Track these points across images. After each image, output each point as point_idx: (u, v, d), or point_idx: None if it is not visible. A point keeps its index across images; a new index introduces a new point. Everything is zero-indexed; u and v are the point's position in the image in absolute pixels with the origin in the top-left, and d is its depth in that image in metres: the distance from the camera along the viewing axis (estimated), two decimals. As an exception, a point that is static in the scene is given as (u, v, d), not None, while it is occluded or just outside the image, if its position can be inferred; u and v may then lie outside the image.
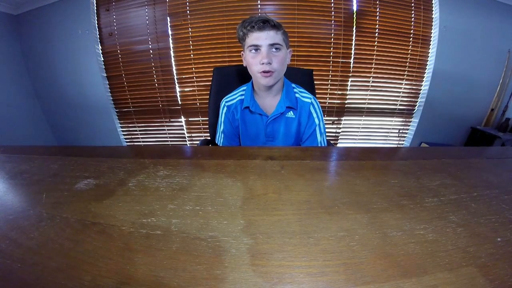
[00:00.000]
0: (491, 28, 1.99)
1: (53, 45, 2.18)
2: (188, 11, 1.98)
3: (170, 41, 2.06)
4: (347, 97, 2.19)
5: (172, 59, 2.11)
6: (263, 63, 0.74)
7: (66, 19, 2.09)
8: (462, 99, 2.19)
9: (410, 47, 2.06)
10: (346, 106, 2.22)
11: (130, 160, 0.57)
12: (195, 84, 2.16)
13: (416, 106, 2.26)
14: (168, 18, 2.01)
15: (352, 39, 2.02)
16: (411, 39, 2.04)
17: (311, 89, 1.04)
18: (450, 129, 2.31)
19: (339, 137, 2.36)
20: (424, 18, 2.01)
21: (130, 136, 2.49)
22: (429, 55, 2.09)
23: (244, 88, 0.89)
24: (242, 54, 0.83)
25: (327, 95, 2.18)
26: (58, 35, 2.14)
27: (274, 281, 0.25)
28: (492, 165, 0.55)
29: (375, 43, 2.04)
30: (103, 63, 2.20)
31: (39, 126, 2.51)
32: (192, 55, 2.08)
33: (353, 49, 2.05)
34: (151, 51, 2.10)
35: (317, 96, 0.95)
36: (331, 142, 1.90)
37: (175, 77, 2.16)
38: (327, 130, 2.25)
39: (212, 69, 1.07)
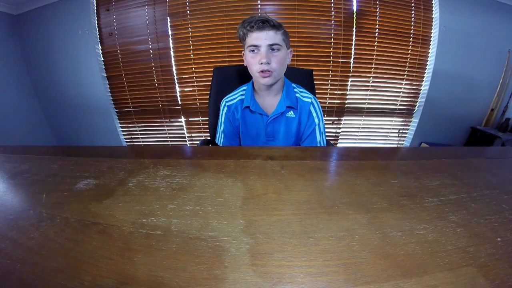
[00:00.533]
0: (491, 28, 1.99)
1: (53, 45, 2.18)
2: (188, 11, 1.98)
3: (170, 41, 2.06)
4: (347, 97, 2.19)
5: (172, 59, 2.11)
6: (262, 63, 0.74)
7: (66, 19, 2.09)
8: (462, 99, 2.19)
9: (410, 47, 2.06)
10: (346, 106, 2.22)
11: (130, 160, 0.57)
12: (195, 84, 2.16)
13: (416, 106, 2.26)
14: (168, 18, 2.01)
15: (352, 39, 2.02)
16: (411, 39, 2.04)
17: (311, 89, 1.04)
18: (450, 129, 2.31)
19: (339, 137, 2.36)
20: (424, 18, 2.01)
21: (130, 136, 2.49)
22: (429, 55, 2.09)
23: (245, 88, 0.90)
24: (243, 53, 0.83)
25: (327, 95, 2.18)
26: (58, 35, 2.14)
27: (274, 281, 0.25)
28: (492, 165, 0.55)
29: (375, 43, 2.04)
30: (103, 63, 2.20)
31: (39, 126, 2.51)
32: (192, 55, 2.08)
33: (353, 49, 2.05)
34: (151, 51, 2.10)
35: (317, 96, 0.95)
36: (331, 142, 1.90)
37: (175, 77, 2.16)
38: (327, 130, 2.25)
39: (212, 69, 1.07)
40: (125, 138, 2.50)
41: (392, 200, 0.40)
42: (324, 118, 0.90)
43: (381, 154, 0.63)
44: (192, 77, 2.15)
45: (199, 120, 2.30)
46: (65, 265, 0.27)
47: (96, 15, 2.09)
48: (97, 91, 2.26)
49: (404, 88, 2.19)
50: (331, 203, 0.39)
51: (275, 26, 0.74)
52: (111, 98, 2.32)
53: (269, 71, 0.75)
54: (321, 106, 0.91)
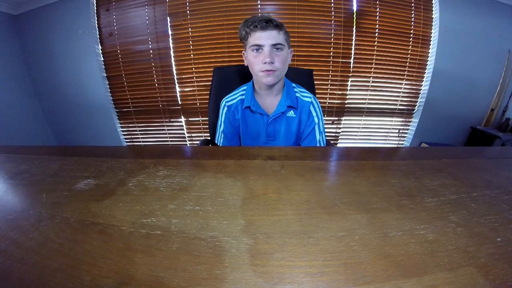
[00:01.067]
0: (491, 28, 1.99)
1: (53, 45, 2.18)
2: (188, 11, 1.98)
3: (170, 41, 2.06)
4: (347, 97, 2.19)
5: (172, 59, 2.11)
6: (265, 63, 0.74)
7: (66, 19, 2.09)
8: (462, 99, 2.19)
9: (410, 47, 2.07)
10: (346, 106, 2.22)
11: (130, 160, 0.57)
12: (195, 84, 2.16)
13: (416, 106, 2.26)
14: (168, 18, 2.01)
15: (352, 39, 2.02)
16: (411, 39, 2.04)
17: (311, 89, 1.04)
18: (450, 129, 2.31)
19: (339, 137, 2.36)
20: (424, 18, 2.01)
21: (130, 136, 2.49)
22: (429, 55, 2.09)
23: (245, 88, 0.90)
24: (243, 53, 0.83)
25: (327, 95, 2.18)
26: (58, 35, 2.14)
27: (274, 281, 0.25)
28: (492, 165, 0.55)
29: (375, 43, 2.04)
30: (103, 63, 2.20)
31: (39, 126, 2.51)
32: (192, 55, 2.08)
33: (353, 49, 2.05)
34: (151, 51, 2.10)
35: (317, 96, 0.95)
36: (331, 142, 1.90)
37: (175, 77, 2.16)
38: (327, 130, 2.25)
39: (212, 69, 1.07)
40: (125, 138, 2.50)
41: (392, 200, 0.40)
42: (324, 118, 0.90)
43: (381, 154, 0.63)
44: (192, 77, 2.15)
45: (199, 120, 2.30)
46: (65, 265, 0.27)
47: (96, 15, 2.09)
48: (97, 91, 2.26)
49: (404, 88, 2.19)
50: (331, 203, 0.39)
51: (278, 26, 0.74)
52: (111, 98, 2.32)
53: (272, 70, 0.75)
54: (321, 106, 0.91)
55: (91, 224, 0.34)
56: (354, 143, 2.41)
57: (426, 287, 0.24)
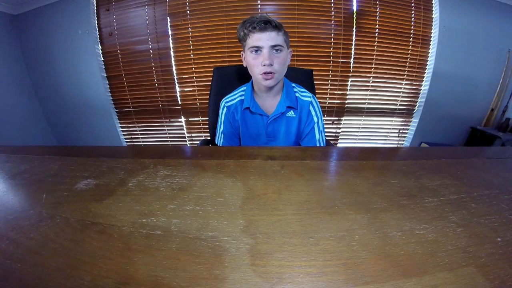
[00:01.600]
0: (491, 28, 1.99)
1: (53, 45, 2.18)
2: (188, 11, 1.98)
3: (170, 41, 2.06)
4: (347, 97, 2.19)
5: (172, 59, 2.11)
6: (264, 65, 0.73)
7: (66, 19, 2.09)
8: (462, 99, 2.19)
9: (410, 47, 2.06)
10: (346, 106, 2.22)
11: (130, 160, 0.57)
12: (195, 84, 2.16)
13: (416, 106, 2.26)
14: (168, 18, 2.01)
15: (352, 39, 2.02)
16: (411, 39, 2.04)
17: (311, 89, 1.04)
18: (450, 129, 2.31)
19: (339, 137, 2.36)
20: (424, 18, 2.01)
21: (130, 136, 2.49)
22: (429, 55, 2.09)
23: (244, 88, 0.89)
24: (242, 54, 0.82)
25: (327, 95, 2.18)
26: (58, 35, 2.14)
27: (274, 281, 0.25)
28: (492, 165, 0.55)
29: (375, 43, 2.04)
30: (103, 63, 2.20)
31: (39, 126, 2.51)
32: (192, 55, 2.08)
33: (353, 49, 2.05)
34: (151, 51, 2.10)
35: (317, 96, 0.95)
36: (331, 142, 1.90)
37: (175, 77, 2.16)
38: (327, 130, 2.25)
39: (212, 69, 1.07)
40: (125, 138, 2.50)
41: (392, 200, 0.40)
42: (324, 118, 0.90)
43: (381, 154, 0.63)
44: (192, 77, 2.15)
45: (199, 120, 2.30)
46: (65, 265, 0.27)
47: (96, 15, 2.09)
48: (97, 91, 2.26)
49: (404, 88, 2.19)
50: (331, 203, 0.39)
51: (277, 27, 0.73)
52: (111, 98, 2.32)
53: (271, 72, 0.75)
54: (321, 106, 0.91)
55: (91, 224, 0.34)
56: (354, 143, 2.41)
57: (426, 287, 0.24)
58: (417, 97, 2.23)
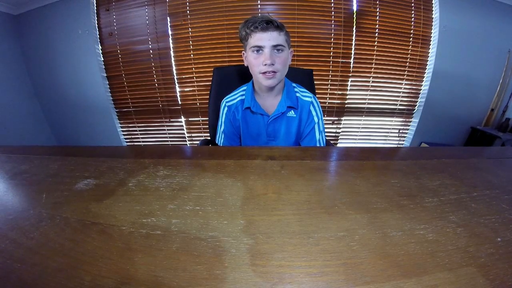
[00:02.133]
0: (491, 28, 1.99)
1: (53, 45, 2.18)
2: (188, 11, 1.98)
3: (170, 41, 2.06)
4: (347, 97, 2.19)
5: (172, 59, 2.11)
6: (266, 64, 0.74)
7: (66, 19, 2.09)
8: (462, 99, 2.19)
9: (410, 47, 2.06)
10: (346, 106, 2.22)
11: (130, 160, 0.57)
12: (195, 84, 2.16)
13: (416, 106, 2.26)
14: (168, 18, 2.01)
15: (352, 39, 2.02)
16: (411, 39, 2.04)
17: (311, 89, 1.04)
18: (450, 129, 2.31)
19: (339, 137, 2.36)
20: (424, 18, 2.01)
21: (130, 136, 2.49)
22: (429, 55, 2.09)
23: (244, 88, 0.89)
24: (243, 54, 0.82)
25: (327, 95, 2.18)
26: (58, 35, 2.14)
27: (274, 281, 0.25)
28: (492, 165, 0.55)
29: (375, 43, 2.04)
30: (103, 63, 2.20)
31: (39, 126, 2.51)
32: (192, 55, 2.08)
33: (353, 49, 2.05)
34: (151, 51, 2.10)
35: (317, 96, 0.95)
36: (331, 142, 1.90)
37: (175, 77, 2.16)
38: (327, 130, 2.25)
39: (212, 69, 1.07)
40: (125, 138, 2.50)
41: (392, 200, 0.40)
42: (324, 118, 0.90)
43: (381, 154, 0.63)
44: (192, 77, 2.15)
45: (199, 120, 2.30)
46: (65, 265, 0.27)
47: (96, 15, 2.09)
48: (97, 91, 2.26)
49: (404, 88, 2.19)
50: (331, 203, 0.39)
51: (279, 27, 0.73)
52: (111, 98, 2.32)
53: (273, 72, 0.75)
54: (321, 106, 0.91)
55: (91, 224, 0.34)
56: (354, 143, 2.41)
57: (426, 287, 0.24)
58: (417, 97, 2.23)
